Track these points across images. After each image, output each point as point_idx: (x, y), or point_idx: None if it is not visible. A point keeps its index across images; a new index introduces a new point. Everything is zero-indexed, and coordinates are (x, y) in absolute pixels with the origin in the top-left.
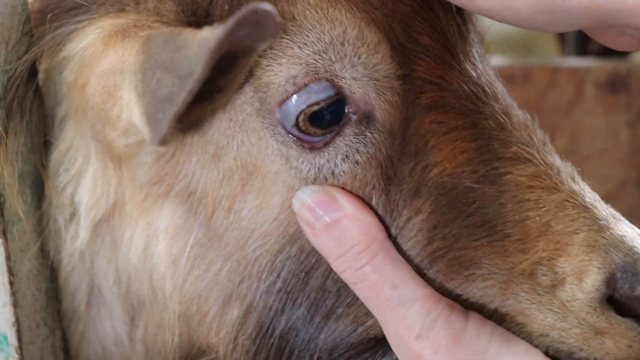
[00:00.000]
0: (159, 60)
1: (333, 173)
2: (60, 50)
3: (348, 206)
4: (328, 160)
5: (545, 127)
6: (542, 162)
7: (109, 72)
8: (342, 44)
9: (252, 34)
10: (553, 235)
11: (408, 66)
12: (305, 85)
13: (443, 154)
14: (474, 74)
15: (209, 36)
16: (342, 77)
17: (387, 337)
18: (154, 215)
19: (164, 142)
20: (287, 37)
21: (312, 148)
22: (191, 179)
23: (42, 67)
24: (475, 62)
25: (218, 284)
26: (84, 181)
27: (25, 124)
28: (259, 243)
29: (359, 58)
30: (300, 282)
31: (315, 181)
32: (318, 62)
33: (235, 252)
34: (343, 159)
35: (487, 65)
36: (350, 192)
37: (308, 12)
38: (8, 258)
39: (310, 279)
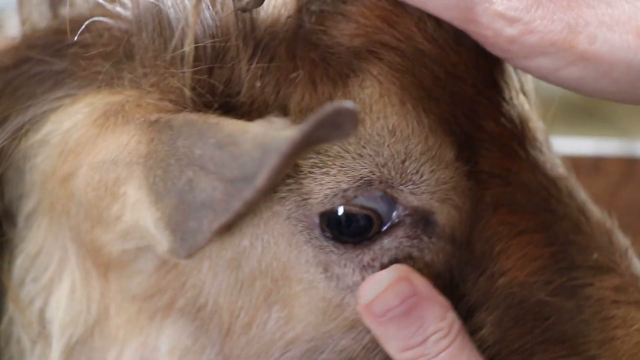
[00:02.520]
0: (190, 155)
1: None
2: (31, 132)
3: (422, 286)
4: (374, 259)
5: (622, 231)
6: (627, 271)
7: (108, 163)
8: (404, 162)
9: (327, 134)
10: None
11: (472, 159)
12: (355, 197)
13: (512, 260)
14: (543, 164)
15: (268, 134)
16: (400, 190)
17: None
18: (152, 334)
19: (194, 255)
20: (339, 145)
21: (355, 245)
22: (201, 289)
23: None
24: (543, 149)
25: None
26: (57, 293)
27: None
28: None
29: (422, 176)
30: None
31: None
32: (374, 175)
33: None
34: (391, 262)
35: (553, 153)
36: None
37: (368, 119)
38: None
39: None
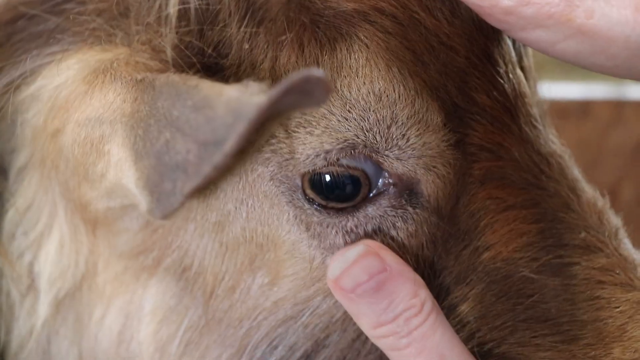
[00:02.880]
0: (168, 117)
1: None
2: (23, 87)
3: (393, 263)
4: (357, 226)
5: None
6: (615, 252)
7: (94, 120)
8: (389, 127)
9: (297, 101)
10: (630, 342)
11: (462, 130)
12: (338, 160)
13: (497, 235)
14: (536, 140)
15: (241, 99)
16: (385, 156)
17: None
18: (137, 292)
19: (169, 216)
20: (325, 106)
21: (338, 211)
22: (186, 251)
23: None
24: (537, 125)
25: None
26: (46, 248)
27: None
28: (268, 326)
29: (408, 141)
30: None
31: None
32: (358, 138)
33: (238, 337)
34: (375, 231)
35: (549, 129)
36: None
37: (354, 84)
38: None
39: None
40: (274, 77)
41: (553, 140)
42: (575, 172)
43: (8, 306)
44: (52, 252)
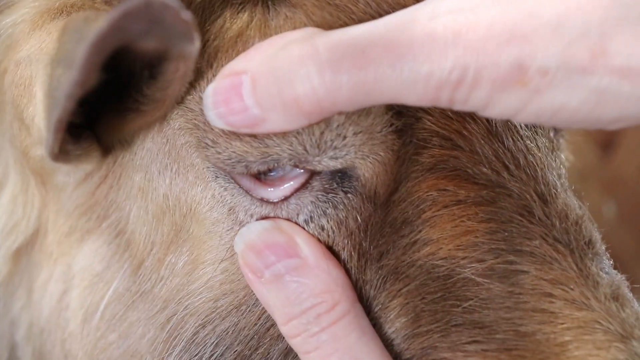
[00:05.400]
0: (65, 51)
1: None
2: None
3: (310, 252)
4: (287, 219)
5: None
6: (573, 266)
7: (27, 60)
8: (322, 134)
9: (152, 30)
10: None
11: (411, 114)
12: (259, 173)
13: (440, 230)
14: (505, 134)
15: (86, 24)
16: (316, 162)
17: None
18: (75, 256)
19: (56, 156)
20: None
21: (267, 202)
22: (122, 211)
23: None
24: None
25: (137, 357)
26: (1, 199)
27: None
28: (189, 310)
29: (344, 139)
30: None
31: None
32: (284, 153)
33: (162, 317)
34: (306, 221)
35: (535, 130)
36: (313, 236)
37: None
38: None
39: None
40: None
41: (533, 139)
42: (553, 177)
43: None
44: (5, 202)
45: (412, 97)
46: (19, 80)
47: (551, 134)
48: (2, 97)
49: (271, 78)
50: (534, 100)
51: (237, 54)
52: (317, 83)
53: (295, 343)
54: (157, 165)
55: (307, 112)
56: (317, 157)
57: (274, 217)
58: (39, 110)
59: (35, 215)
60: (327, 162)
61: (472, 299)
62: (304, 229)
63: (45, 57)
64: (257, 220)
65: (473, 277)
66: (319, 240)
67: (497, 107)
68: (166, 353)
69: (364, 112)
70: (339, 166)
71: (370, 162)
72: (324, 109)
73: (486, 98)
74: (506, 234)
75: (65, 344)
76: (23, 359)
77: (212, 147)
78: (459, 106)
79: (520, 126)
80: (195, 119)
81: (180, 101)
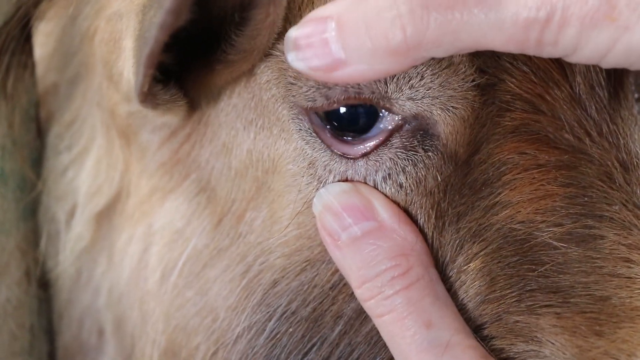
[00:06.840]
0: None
1: None
2: None
3: (387, 216)
4: (364, 177)
5: None
6: None
7: (117, 15)
8: None
9: None
10: None
11: (495, 74)
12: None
13: (519, 194)
14: (589, 102)
15: None
16: (394, 99)
17: None
18: (157, 215)
19: (145, 95)
20: None
21: (346, 157)
22: (204, 169)
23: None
24: (597, 89)
25: (212, 314)
26: (87, 163)
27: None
28: (264, 266)
29: (422, 79)
30: (314, 323)
31: None
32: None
33: (238, 274)
34: (384, 178)
35: (619, 102)
36: (391, 200)
37: None
38: None
39: (325, 318)
40: None
41: (617, 110)
42: (635, 147)
43: (55, 233)
44: (90, 166)
45: (499, 38)
46: (109, 36)
47: (634, 110)
48: (92, 59)
49: (359, 22)
50: (623, 37)
51: (324, 3)
52: (407, 21)
53: (368, 306)
54: (243, 121)
55: (393, 53)
56: (395, 93)
57: (353, 181)
58: (128, 60)
59: (117, 178)
60: (404, 103)
61: (548, 263)
62: (382, 192)
63: (135, 7)
64: (335, 179)
65: (550, 241)
66: (397, 204)
67: (587, 48)
68: (242, 308)
69: (445, 60)
70: (416, 110)
71: (450, 117)
72: (410, 50)
73: (576, 37)
74: (585, 199)
75: (143, 304)
76: (105, 327)
77: (294, 83)
78: (548, 50)
79: (604, 95)
80: (281, 65)
81: (267, 54)
